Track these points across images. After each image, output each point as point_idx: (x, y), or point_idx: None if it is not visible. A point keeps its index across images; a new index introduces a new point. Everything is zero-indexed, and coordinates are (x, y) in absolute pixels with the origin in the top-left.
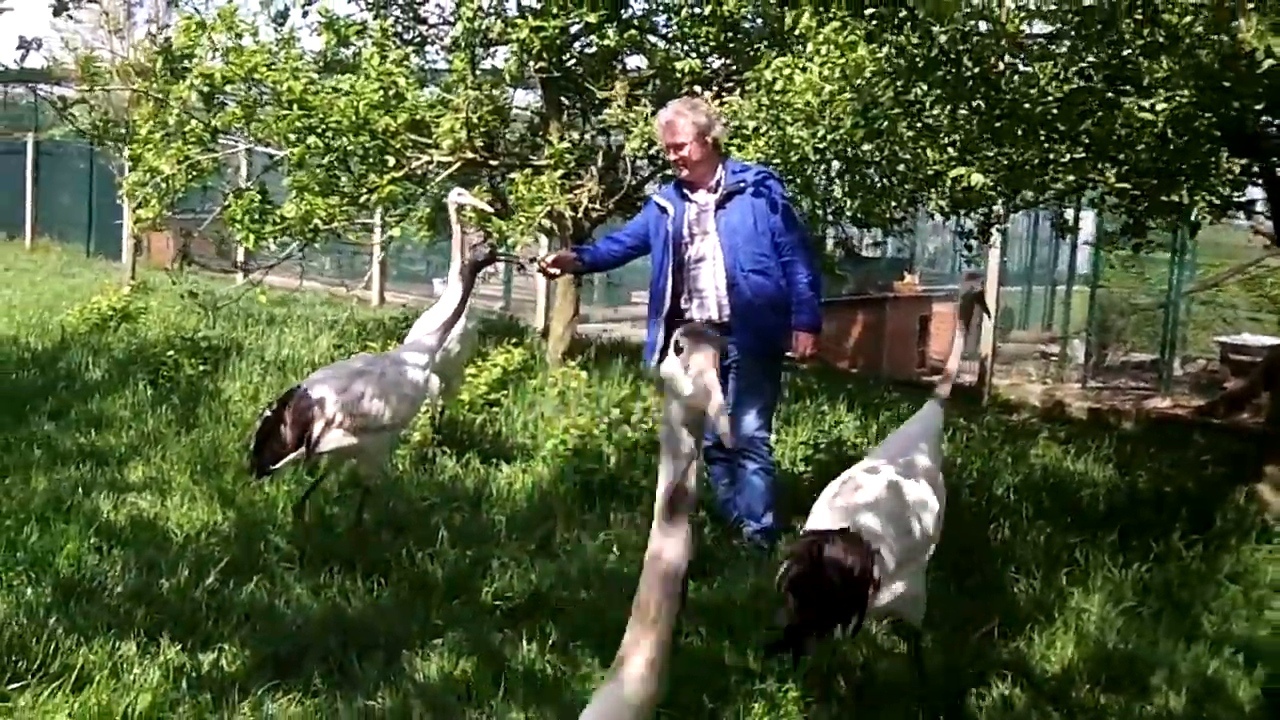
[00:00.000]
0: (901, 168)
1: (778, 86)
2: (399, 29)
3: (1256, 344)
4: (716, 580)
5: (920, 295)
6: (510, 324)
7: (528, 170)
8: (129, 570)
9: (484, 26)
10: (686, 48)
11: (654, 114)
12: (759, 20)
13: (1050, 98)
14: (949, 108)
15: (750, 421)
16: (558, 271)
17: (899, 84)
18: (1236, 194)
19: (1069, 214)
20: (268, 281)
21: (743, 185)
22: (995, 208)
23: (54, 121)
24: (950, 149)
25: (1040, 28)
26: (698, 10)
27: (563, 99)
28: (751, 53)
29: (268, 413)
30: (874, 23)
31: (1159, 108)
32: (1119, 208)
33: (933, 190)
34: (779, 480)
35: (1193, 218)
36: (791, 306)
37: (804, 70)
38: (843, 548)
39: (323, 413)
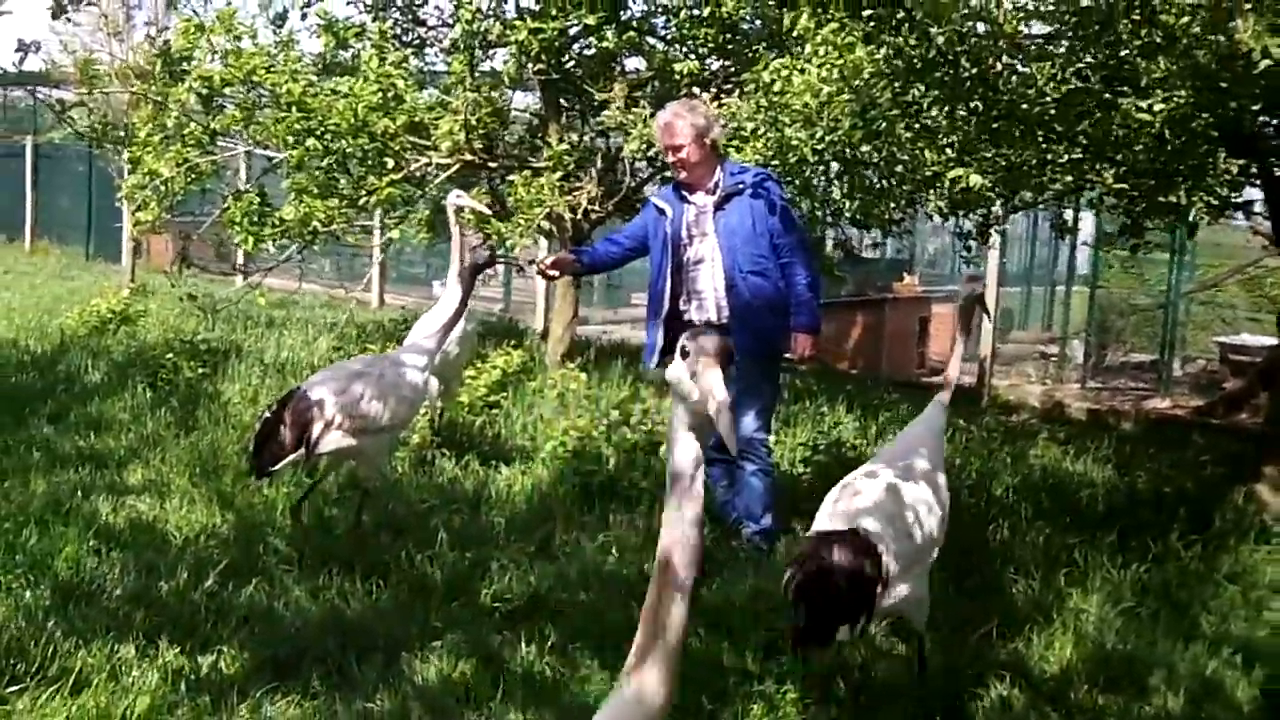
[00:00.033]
0: (900, 169)
1: (776, 88)
2: (398, 31)
3: (1256, 344)
4: (715, 582)
5: (919, 296)
6: (510, 326)
7: (527, 172)
8: (128, 573)
9: (483, 28)
10: (685, 49)
11: (653, 116)
12: (757, 22)
13: (1048, 98)
14: (947, 109)
15: (749, 423)
16: (556, 273)
17: (897, 85)
18: (1234, 194)
19: (1068, 214)
20: (267, 284)
21: (741, 187)
22: (994, 208)
23: (53, 124)
24: (948, 150)
25: (1038, 28)
26: (696, 12)
27: (561, 101)
28: (750, 54)
29: (267, 414)
30: (872, 24)
31: (1156, 108)
32: (1117, 208)
33: (931, 191)
34: (778, 481)
35: (1190, 218)
36: (790, 308)
37: (802, 72)
38: (850, 548)
39: (322, 414)
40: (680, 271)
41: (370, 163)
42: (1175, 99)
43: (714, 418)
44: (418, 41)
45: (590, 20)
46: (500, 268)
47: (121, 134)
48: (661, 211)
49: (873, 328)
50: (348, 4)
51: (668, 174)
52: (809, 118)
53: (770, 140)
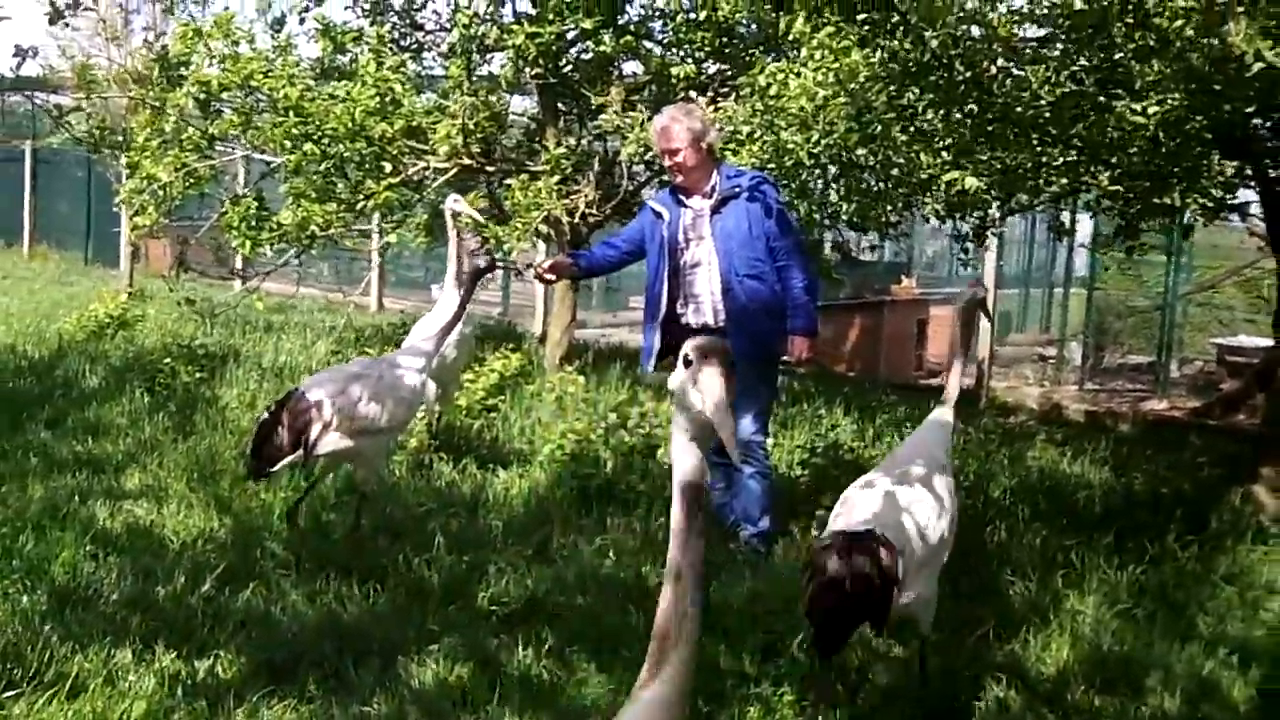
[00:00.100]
0: (896, 172)
1: (772, 92)
2: (395, 35)
3: (1252, 345)
4: (713, 584)
5: (917, 299)
6: (508, 329)
7: (524, 176)
8: (125, 578)
9: (480, 33)
10: (682, 53)
11: (650, 119)
12: (753, 26)
13: (1042, 101)
14: (942, 112)
15: (747, 425)
16: (554, 277)
17: (892, 88)
18: (1229, 196)
19: (1065, 217)
20: (265, 288)
21: (738, 190)
22: (991, 211)
23: (51, 129)
24: (944, 153)
25: (1032, 32)
26: (693, 16)
27: (559, 105)
28: (746, 58)
29: (265, 415)
30: (867, 28)
31: (1150, 111)
32: (1112, 210)
33: (928, 194)
34: (775, 484)
35: (1185, 220)
36: (787, 311)
37: (798, 75)
38: (869, 547)
39: (319, 415)
40: (677, 275)
41: (368, 167)
42: (1169, 102)
43: (715, 421)
44: (415, 46)
45: (587, 24)
46: (499, 271)
47: (119, 139)
48: (658, 215)
49: (870, 330)
50: (345, 9)
51: (665, 178)
52: (805, 121)
53: (766, 144)
